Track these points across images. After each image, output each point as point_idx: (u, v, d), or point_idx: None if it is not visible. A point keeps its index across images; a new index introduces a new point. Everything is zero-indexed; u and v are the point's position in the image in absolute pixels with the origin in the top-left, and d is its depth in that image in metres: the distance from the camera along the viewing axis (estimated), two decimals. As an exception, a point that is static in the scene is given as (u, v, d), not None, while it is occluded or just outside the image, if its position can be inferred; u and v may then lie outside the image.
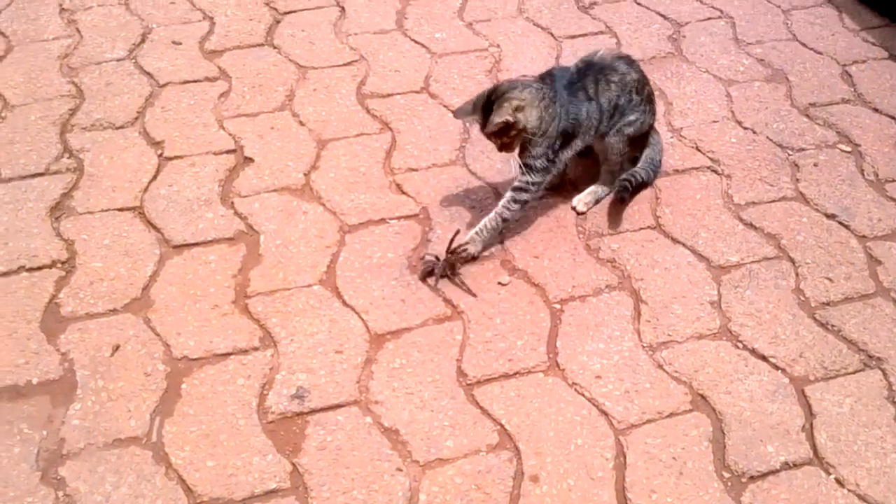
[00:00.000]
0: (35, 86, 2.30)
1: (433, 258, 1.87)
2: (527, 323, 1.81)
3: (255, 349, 1.73)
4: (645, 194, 2.10)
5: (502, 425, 1.64)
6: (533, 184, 1.89)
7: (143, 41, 2.47)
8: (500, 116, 1.80)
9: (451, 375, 1.71)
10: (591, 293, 1.88)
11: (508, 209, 1.91)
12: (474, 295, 1.84)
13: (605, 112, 1.94)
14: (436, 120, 2.27)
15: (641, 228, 2.03)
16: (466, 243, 1.89)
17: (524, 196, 1.91)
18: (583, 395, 1.69)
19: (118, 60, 2.39)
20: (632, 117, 1.97)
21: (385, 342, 1.76)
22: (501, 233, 1.95)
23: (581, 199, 2.05)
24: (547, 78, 1.91)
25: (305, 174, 2.10)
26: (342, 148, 2.18)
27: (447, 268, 1.87)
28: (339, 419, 1.63)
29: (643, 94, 1.99)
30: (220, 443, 1.59)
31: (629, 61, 2.00)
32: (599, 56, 1.96)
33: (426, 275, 1.87)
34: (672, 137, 2.25)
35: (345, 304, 1.83)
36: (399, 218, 2.02)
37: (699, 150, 2.23)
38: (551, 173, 1.93)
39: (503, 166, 2.14)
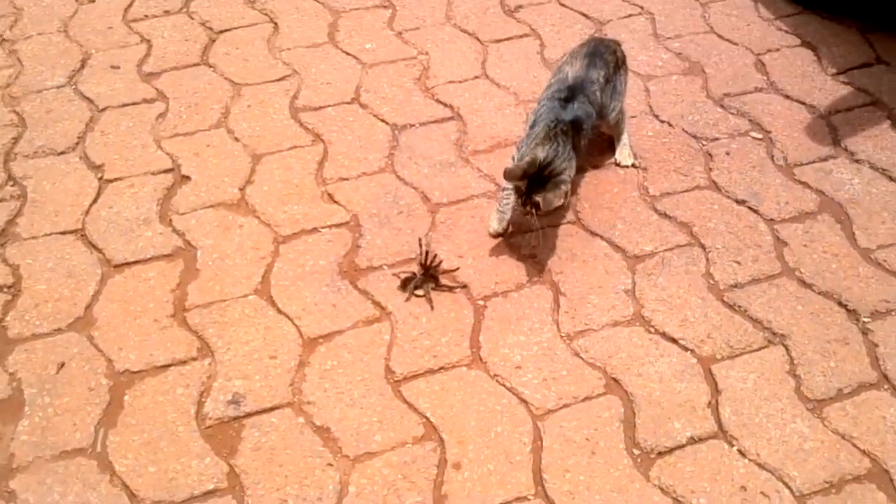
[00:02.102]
0: (-22, 116, 2.39)
1: (411, 273, 1.98)
2: (451, 321, 1.92)
3: (194, 359, 1.83)
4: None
5: (427, 418, 1.74)
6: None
7: (82, 67, 2.55)
8: (559, 199, 1.91)
9: (380, 374, 1.82)
10: (513, 288, 1.99)
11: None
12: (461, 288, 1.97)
13: (594, 116, 2.10)
14: (366, 130, 2.37)
15: (561, 223, 2.14)
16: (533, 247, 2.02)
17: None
18: (503, 386, 1.80)
19: (58, 87, 2.48)
20: (613, 105, 2.18)
21: (317, 345, 1.87)
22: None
23: (622, 154, 2.25)
24: (572, 128, 2.01)
25: (241, 189, 2.20)
26: (276, 161, 2.28)
27: (429, 279, 1.97)
28: (273, 421, 1.74)
29: (612, 79, 2.16)
30: (161, 449, 1.69)
31: (593, 60, 2.12)
32: (573, 77, 2.09)
33: (401, 285, 1.98)
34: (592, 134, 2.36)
35: (279, 311, 1.93)
36: (331, 226, 2.12)
37: (618, 145, 2.34)
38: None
39: (430, 171, 2.25)
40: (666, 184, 2.23)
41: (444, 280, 1.98)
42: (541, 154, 1.93)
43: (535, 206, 1.92)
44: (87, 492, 1.63)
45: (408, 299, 1.95)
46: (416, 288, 1.96)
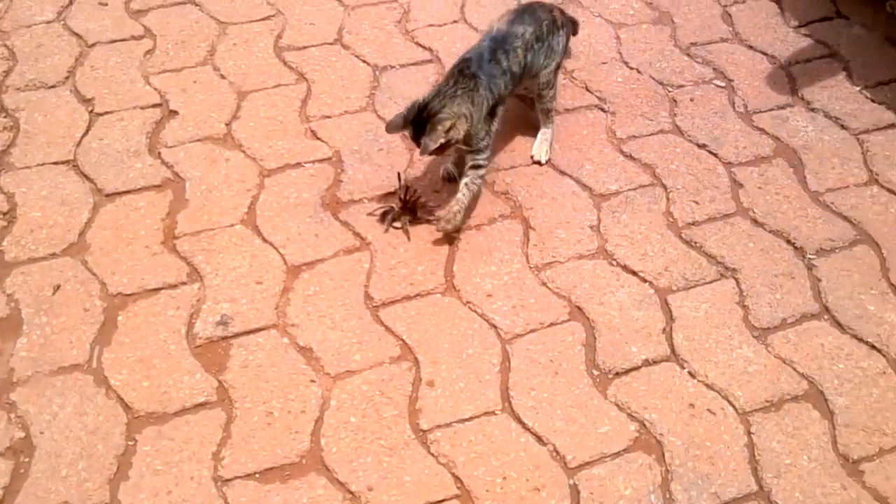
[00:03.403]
0: (-31, 49, 2.42)
1: (389, 206, 2.06)
2: (427, 251, 2.02)
3: (184, 283, 1.92)
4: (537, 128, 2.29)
5: (404, 340, 1.85)
6: (485, 158, 2.03)
7: (70, 3, 2.58)
8: (435, 141, 1.87)
9: (359, 299, 1.92)
10: (485, 222, 2.09)
11: (476, 184, 2.03)
12: (408, 238, 2.03)
13: (517, 75, 2.05)
14: (348, 70, 2.43)
15: (533, 164, 2.23)
16: (440, 218, 2.02)
17: (482, 171, 2.03)
18: (475, 312, 1.91)
19: (47, 23, 2.51)
20: (546, 63, 2.12)
21: (300, 272, 1.96)
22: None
23: (539, 151, 2.21)
24: (465, 69, 1.97)
25: (227, 124, 2.27)
26: (261, 99, 2.34)
27: (406, 212, 2.04)
28: (259, 341, 1.84)
29: (546, 38, 2.10)
30: (154, 366, 1.79)
31: (521, 17, 2.09)
32: (496, 30, 2.05)
33: (380, 217, 2.06)
34: (564, 79, 2.44)
35: (264, 240, 2.02)
36: (314, 161, 2.20)
37: (588, 90, 2.43)
38: (492, 139, 2.05)
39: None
40: (632, 127, 2.33)
41: (420, 213, 2.07)
42: (422, 99, 1.91)
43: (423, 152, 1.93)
44: (85, 403, 1.73)
45: (386, 231, 2.04)
46: (393, 220, 2.05)
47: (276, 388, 1.77)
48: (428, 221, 2.06)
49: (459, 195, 2.01)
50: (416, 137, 1.92)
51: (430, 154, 1.95)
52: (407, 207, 2.06)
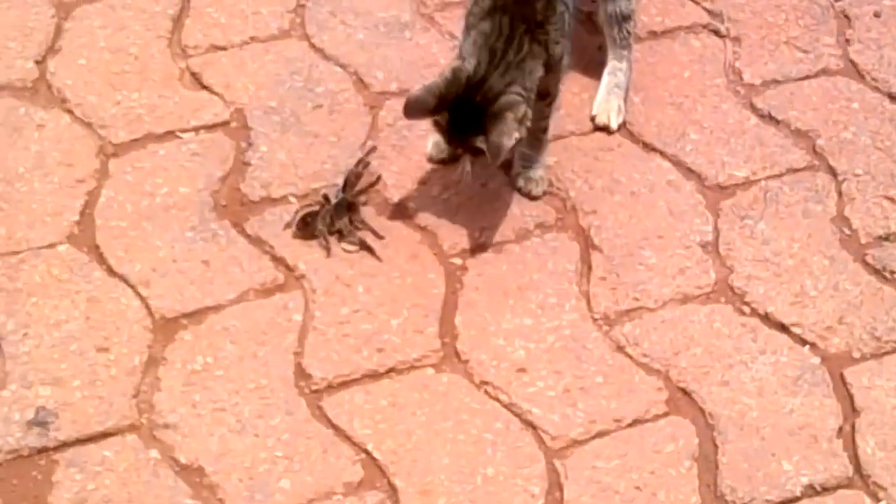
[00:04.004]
0: None
1: (320, 200, 2.07)
2: (407, 289, 2.02)
3: (-34, 352, 1.91)
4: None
5: (368, 452, 1.85)
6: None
7: None
8: (510, 138, 1.97)
9: (287, 378, 1.92)
10: (511, 238, 2.10)
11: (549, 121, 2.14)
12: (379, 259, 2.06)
13: None
14: (256, -40, 2.45)
15: (594, 130, 2.24)
16: (526, 183, 2.13)
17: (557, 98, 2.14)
18: (497, 400, 1.91)
19: None
20: None
21: (178, 330, 1.96)
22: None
23: (605, 108, 2.26)
24: None
25: (38, 62, 2.28)
26: (98, 14, 2.37)
27: (344, 215, 2.06)
28: (105, 455, 1.82)
29: None
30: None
31: None
32: None
33: (302, 228, 2.07)
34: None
35: (111, 271, 2.02)
36: (197, 129, 2.22)
37: (692, -1, 2.46)
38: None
39: (367, 36, 2.34)
40: (772, 65, 2.36)
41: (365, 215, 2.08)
42: (470, 63, 1.99)
43: (472, 153, 2.01)
44: None
45: (329, 254, 2.04)
46: (340, 234, 2.06)
47: (138, 543, 1.76)
48: (376, 233, 2.07)
49: (537, 142, 2.10)
50: (462, 131, 1.99)
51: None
52: (353, 206, 2.06)
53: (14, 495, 1.78)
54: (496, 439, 1.87)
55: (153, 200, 2.10)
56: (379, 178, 2.13)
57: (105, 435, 1.85)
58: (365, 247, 2.06)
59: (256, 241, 2.07)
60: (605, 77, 2.25)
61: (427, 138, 2.19)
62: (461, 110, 1.99)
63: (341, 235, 2.07)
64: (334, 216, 2.07)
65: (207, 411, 1.88)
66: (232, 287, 2.01)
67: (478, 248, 2.08)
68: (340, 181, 2.09)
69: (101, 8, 2.36)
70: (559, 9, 2.04)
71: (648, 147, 2.23)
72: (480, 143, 1.97)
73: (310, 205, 2.09)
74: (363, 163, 2.11)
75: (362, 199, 2.11)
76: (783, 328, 2.02)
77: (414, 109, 2.00)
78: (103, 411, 1.87)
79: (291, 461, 1.84)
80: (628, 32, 2.24)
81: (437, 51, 2.34)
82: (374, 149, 2.15)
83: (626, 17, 2.23)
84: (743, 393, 1.94)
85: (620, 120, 2.25)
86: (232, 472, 1.82)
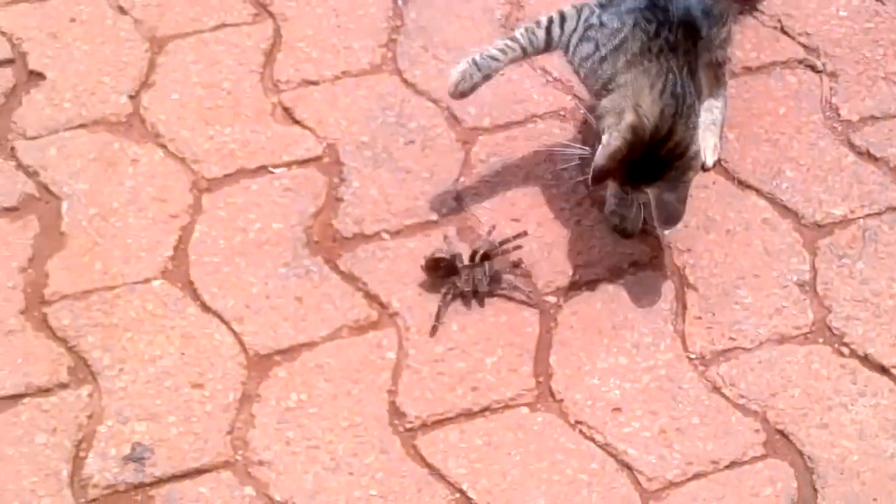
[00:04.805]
0: None
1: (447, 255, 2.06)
2: (501, 327, 2.02)
3: (63, 386, 1.93)
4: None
5: (463, 491, 1.84)
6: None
7: None
8: (687, 188, 2.03)
9: (381, 416, 1.91)
10: (605, 276, 2.09)
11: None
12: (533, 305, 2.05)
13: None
14: (347, -3, 2.47)
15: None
16: (621, 221, 2.13)
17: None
18: (592, 440, 1.90)
19: None
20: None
21: (272, 367, 1.96)
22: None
23: (702, 148, 2.20)
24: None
25: (132, 97, 2.30)
26: (191, 49, 2.38)
27: (483, 278, 2.04)
28: (201, 492, 1.83)
29: None
30: (13, 536, 1.79)
31: None
32: None
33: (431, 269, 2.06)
34: (741, 12, 2.45)
35: (205, 307, 2.02)
36: (289, 164, 2.22)
37: (786, 33, 2.45)
38: None
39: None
40: (870, 101, 2.34)
41: (508, 286, 2.06)
42: (650, 118, 1.96)
43: (640, 198, 2.02)
44: None
45: (438, 324, 2.02)
46: (457, 296, 2.04)
47: (232, 580, 1.76)
48: (524, 301, 2.06)
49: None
50: (637, 179, 1.99)
51: None
52: (484, 263, 2.05)
53: (111, 532, 1.80)
54: (591, 480, 1.86)
55: (246, 236, 2.11)
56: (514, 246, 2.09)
57: (200, 471, 1.85)
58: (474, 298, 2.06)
59: (349, 278, 2.07)
60: (701, 114, 2.23)
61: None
62: (648, 163, 1.99)
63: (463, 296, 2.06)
64: (468, 277, 2.04)
65: (302, 448, 1.88)
66: (325, 324, 2.01)
67: (572, 286, 2.07)
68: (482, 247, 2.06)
69: (193, 43, 2.38)
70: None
71: (744, 185, 2.21)
72: (653, 192, 1.98)
73: (441, 253, 2.07)
74: (511, 243, 2.08)
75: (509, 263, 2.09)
76: (883, 370, 1.99)
77: (602, 179, 1.99)
78: (198, 448, 1.87)
79: (386, 500, 1.83)
80: (724, 74, 2.24)
81: (530, 86, 2.33)
82: (524, 233, 2.10)
83: (721, 63, 2.23)
84: (843, 436, 1.92)
85: (716, 157, 2.23)
86: (326, 510, 1.83)
